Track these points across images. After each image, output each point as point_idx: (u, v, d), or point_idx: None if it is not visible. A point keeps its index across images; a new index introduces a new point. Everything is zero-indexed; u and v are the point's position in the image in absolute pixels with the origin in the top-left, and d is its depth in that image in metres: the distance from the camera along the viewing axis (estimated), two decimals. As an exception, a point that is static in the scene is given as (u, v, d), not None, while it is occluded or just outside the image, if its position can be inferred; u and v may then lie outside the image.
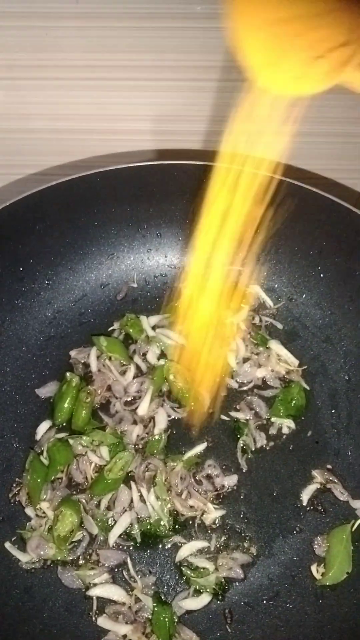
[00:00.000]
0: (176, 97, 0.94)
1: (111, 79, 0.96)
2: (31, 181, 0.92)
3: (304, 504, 0.79)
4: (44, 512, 0.76)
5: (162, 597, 0.73)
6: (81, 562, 0.74)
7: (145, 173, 0.88)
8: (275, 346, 0.91)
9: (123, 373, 0.88)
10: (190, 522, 0.77)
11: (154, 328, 0.92)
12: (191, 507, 0.77)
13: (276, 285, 0.95)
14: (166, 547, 0.76)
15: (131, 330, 0.91)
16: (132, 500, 0.77)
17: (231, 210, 0.76)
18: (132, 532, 0.76)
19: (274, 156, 0.99)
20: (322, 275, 0.91)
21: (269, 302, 0.94)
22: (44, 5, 0.82)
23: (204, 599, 0.72)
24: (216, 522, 0.77)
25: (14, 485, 0.79)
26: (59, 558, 0.74)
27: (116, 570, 0.74)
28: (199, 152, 0.96)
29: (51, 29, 0.86)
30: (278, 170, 0.89)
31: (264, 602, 0.73)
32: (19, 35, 0.86)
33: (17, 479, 0.79)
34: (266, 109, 0.61)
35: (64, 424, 0.84)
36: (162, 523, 0.76)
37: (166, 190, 0.90)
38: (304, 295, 0.93)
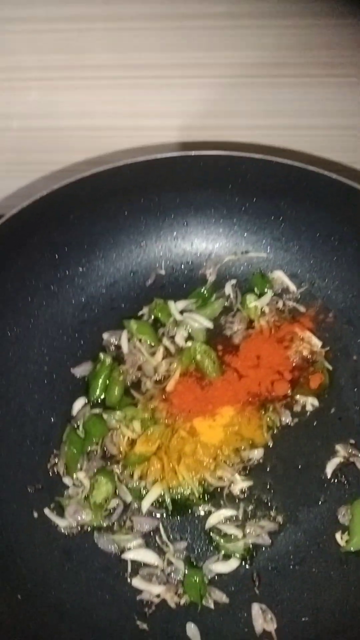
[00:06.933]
0: (201, 94, 0.99)
1: (138, 77, 1.01)
2: (60, 178, 0.98)
3: (328, 476, 0.82)
4: (80, 481, 0.81)
5: (193, 562, 0.77)
6: (116, 527, 0.79)
7: (172, 164, 0.92)
8: (299, 329, 0.94)
9: (152, 354, 0.93)
10: (219, 492, 0.81)
11: (181, 312, 0.96)
12: (219, 477, 0.81)
13: (299, 270, 0.98)
14: (196, 515, 0.80)
15: (160, 315, 0.96)
16: (163, 471, 0.81)
17: None
18: (164, 500, 0.80)
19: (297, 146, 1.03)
20: (343, 260, 0.94)
21: (292, 286, 0.98)
22: (73, 10, 0.88)
23: (233, 563, 0.76)
24: (244, 492, 0.81)
25: (52, 456, 0.84)
26: (95, 524, 0.79)
27: (150, 535, 0.78)
28: (223, 143, 1.01)
29: (82, 30, 0.92)
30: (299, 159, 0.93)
31: (291, 567, 0.76)
32: (52, 38, 0.92)
33: (55, 451, 0.84)
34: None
35: (98, 401, 0.88)
36: (192, 492, 0.80)
37: (191, 180, 0.95)
38: (326, 280, 0.97)
